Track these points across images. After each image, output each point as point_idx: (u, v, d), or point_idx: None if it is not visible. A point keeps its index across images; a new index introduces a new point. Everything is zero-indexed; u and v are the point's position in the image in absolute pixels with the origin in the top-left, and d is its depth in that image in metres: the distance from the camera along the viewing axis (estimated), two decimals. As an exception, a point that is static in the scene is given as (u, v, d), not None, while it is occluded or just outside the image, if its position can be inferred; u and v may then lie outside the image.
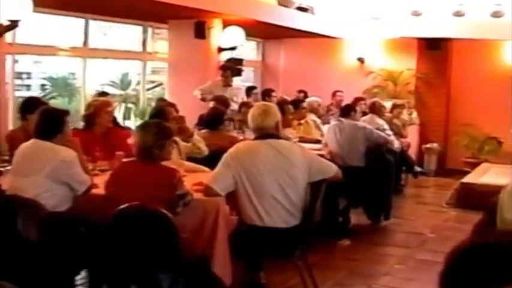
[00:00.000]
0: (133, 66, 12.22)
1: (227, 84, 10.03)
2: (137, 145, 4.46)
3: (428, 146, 12.45)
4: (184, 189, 4.49)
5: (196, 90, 9.81)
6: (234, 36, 10.26)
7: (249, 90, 11.91)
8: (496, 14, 11.85)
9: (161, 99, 9.59)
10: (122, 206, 4.14)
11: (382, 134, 8.39)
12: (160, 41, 11.52)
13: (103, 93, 7.92)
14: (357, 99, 11.25)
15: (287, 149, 4.95)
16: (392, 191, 8.63)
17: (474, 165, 11.59)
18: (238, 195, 4.89)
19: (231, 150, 4.99)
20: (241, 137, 7.88)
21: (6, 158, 5.62)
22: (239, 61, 10.69)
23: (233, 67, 10.05)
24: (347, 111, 8.27)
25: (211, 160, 6.36)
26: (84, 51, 9.75)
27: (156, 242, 4.22)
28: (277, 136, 5.04)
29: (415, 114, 11.94)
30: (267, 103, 5.45)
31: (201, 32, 9.95)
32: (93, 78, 10.74)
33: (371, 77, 12.93)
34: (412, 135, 11.65)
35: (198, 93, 9.83)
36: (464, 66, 12.50)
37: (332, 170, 5.10)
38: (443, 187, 11.28)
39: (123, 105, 13.96)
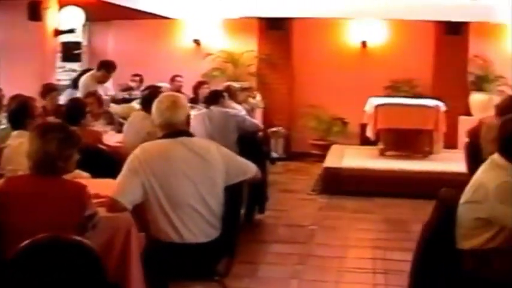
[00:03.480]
0: None
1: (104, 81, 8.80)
2: (34, 156, 3.42)
3: (274, 129, 12.02)
4: (93, 209, 3.56)
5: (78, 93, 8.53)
6: (73, 18, 9.10)
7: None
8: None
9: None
10: (30, 240, 3.12)
11: (254, 121, 7.81)
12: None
13: None
14: (200, 83, 10.62)
15: (203, 148, 4.15)
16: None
17: (322, 147, 11.45)
18: (149, 206, 4.02)
19: (136, 152, 4.07)
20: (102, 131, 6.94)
21: None
22: (77, 45, 9.57)
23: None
24: (216, 97, 7.55)
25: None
26: None
27: (78, 278, 3.26)
28: (189, 133, 4.22)
29: (258, 98, 11.46)
30: (174, 93, 4.56)
31: (35, 13, 8.67)
32: None
33: (209, 60, 12.26)
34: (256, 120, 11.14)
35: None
36: (307, 47, 12.16)
37: (251, 169, 4.37)
38: (295, 172, 10.94)
39: None
